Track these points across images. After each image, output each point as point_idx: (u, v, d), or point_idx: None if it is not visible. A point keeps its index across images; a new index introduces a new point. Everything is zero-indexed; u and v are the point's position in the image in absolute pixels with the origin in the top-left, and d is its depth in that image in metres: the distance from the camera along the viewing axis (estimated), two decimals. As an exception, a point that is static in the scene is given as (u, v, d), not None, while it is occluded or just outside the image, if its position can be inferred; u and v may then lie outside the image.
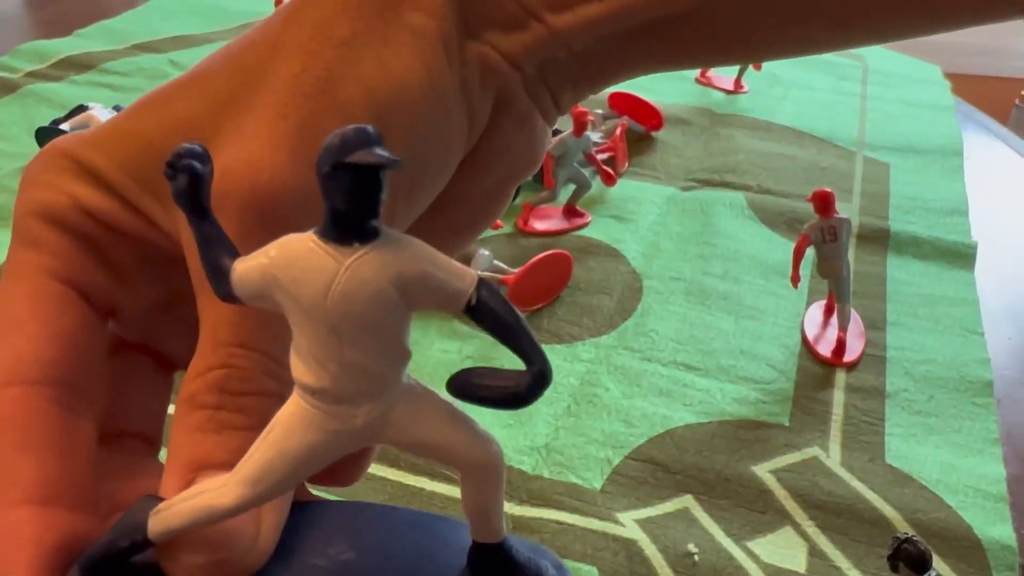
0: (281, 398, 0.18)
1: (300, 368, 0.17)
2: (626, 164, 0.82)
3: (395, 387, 0.18)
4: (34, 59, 1.02)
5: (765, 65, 1.01)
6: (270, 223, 0.18)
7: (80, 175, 0.22)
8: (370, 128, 0.16)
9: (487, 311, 0.17)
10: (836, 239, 0.58)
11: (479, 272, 0.18)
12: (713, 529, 0.46)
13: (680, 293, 0.65)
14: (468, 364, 0.57)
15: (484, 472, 0.19)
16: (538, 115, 0.26)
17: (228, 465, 0.18)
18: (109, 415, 0.23)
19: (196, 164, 0.17)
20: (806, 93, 1.02)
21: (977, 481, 0.50)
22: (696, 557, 0.44)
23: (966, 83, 1.26)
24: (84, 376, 0.22)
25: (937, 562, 0.44)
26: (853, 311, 0.62)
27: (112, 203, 0.22)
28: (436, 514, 0.23)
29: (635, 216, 0.75)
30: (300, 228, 0.17)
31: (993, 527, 0.47)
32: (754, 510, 0.47)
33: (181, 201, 0.17)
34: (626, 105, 0.89)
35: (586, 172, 0.75)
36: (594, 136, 0.79)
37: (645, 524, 0.46)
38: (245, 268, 0.17)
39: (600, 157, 0.77)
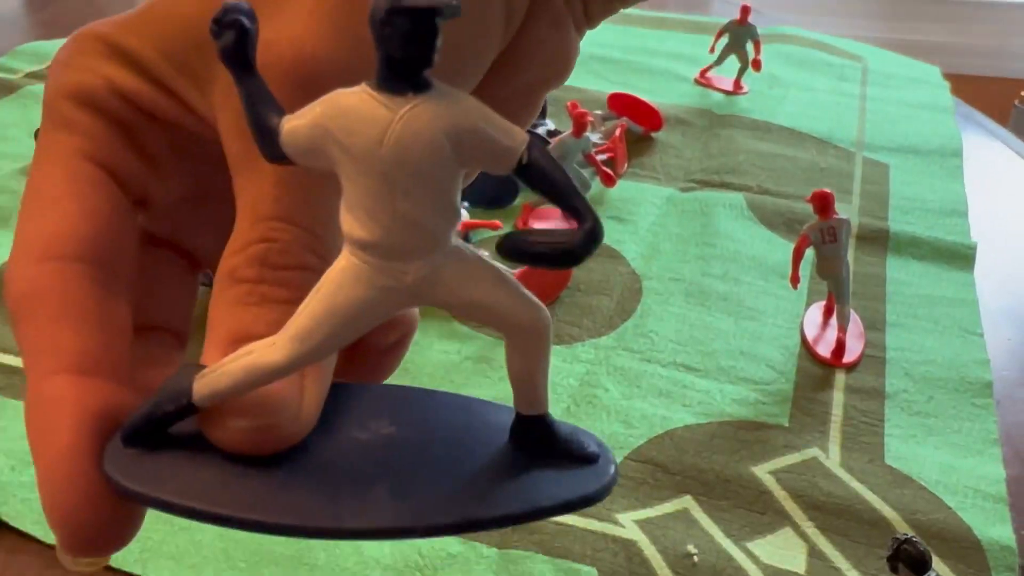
0: (321, 274, 0.18)
1: (351, 222, 0.17)
2: (625, 165, 0.82)
3: (445, 246, 0.18)
4: (34, 60, 1.02)
5: (764, 66, 1.01)
6: (313, 96, 0.17)
7: (113, 57, 0.22)
8: None
9: (539, 170, 0.17)
10: (836, 240, 0.58)
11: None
12: (713, 530, 0.46)
13: (679, 294, 0.65)
14: (468, 365, 0.57)
15: (532, 336, 0.19)
16: (571, 21, 0.27)
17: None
18: (138, 308, 0.22)
19: (244, 19, 0.17)
20: (805, 94, 1.02)
21: (976, 482, 0.50)
22: (696, 558, 0.44)
23: (965, 84, 1.26)
24: (118, 257, 0.21)
25: (937, 563, 0.44)
26: (852, 312, 0.62)
27: (146, 86, 0.22)
28: (477, 398, 0.23)
29: (634, 217, 0.75)
30: None
31: (992, 528, 0.47)
32: (754, 511, 0.47)
33: (227, 58, 0.17)
34: (625, 106, 0.89)
35: (586, 173, 0.75)
36: (593, 137, 0.79)
37: (645, 525, 0.46)
38: (294, 124, 0.17)
39: (599, 158, 0.77)
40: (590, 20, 0.28)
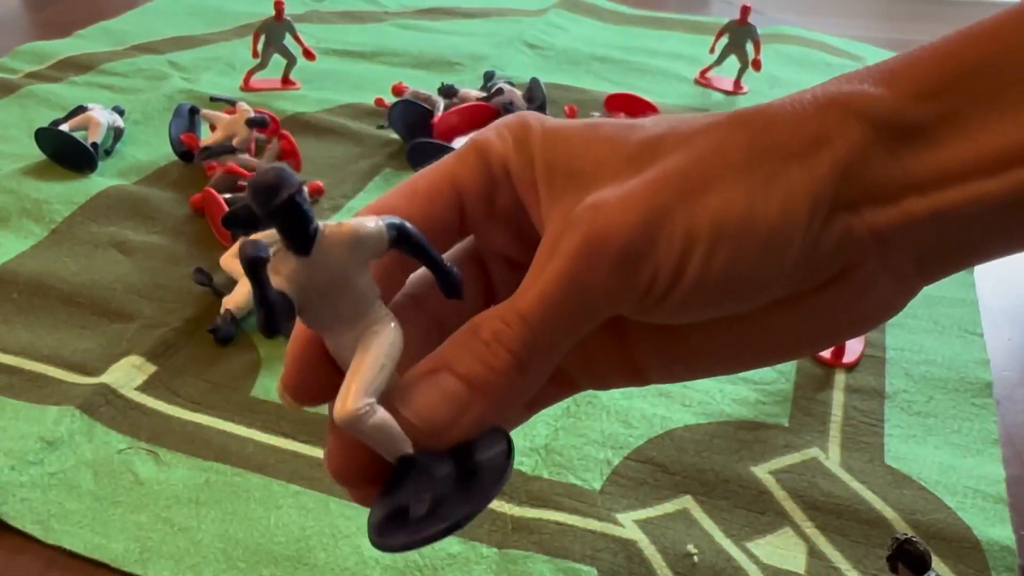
0: (522, 368, 0.24)
1: None
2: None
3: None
4: (34, 60, 1.02)
5: (765, 66, 1.01)
6: (594, 255, 0.23)
7: (518, 147, 0.27)
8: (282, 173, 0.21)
9: (408, 240, 0.23)
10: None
11: None
12: (712, 530, 0.46)
13: (679, 294, 0.65)
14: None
15: None
16: (886, 285, 0.25)
17: (469, 383, 0.24)
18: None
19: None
20: (805, 94, 1.02)
21: (976, 482, 0.50)
22: (695, 558, 0.44)
23: (965, 84, 1.26)
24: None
25: (936, 563, 0.44)
26: (852, 312, 0.62)
27: (523, 172, 0.27)
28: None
29: (634, 217, 0.75)
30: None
31: (992, 528, 0.47)
32: (753, 511, 0.48)
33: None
34: (622, 105, 0.89)
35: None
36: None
37: (644, 525, 0.46)
38: None
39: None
40: (925, 275, 0.26)
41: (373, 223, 0.22)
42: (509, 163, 0.27)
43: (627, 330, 0.28)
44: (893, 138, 0.24)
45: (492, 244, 0.29)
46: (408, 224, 0.23)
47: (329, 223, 0.21)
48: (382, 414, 0.22)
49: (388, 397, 0.24)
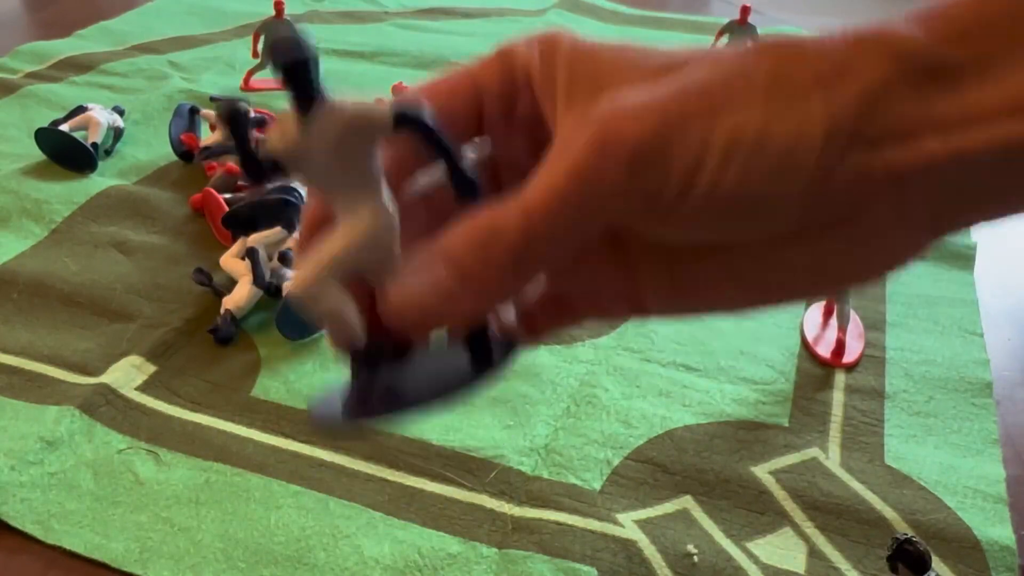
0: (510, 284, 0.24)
1: None
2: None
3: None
4: (33, 60, 1.02)
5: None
6: (607, 151, 0.22)
7: (543, 54, 0.27)
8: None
9: (414, 119, 0.22)
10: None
11: None
12: (712, 530, 0.46)
13: (679, 294, 0.65)
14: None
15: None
16: (894, 231, 0.25)
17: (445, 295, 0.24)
18: None
19: None
20: (805, 94, 1.02)
21: (976, 482, 0.50)
22: (695, 558, 0.44)
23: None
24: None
25: (936, 563, 0.44)
26: (852, 312, 0.62)
27: (541, 79, 0.27)
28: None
29: (634, 217, 0.75)
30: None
31: (992, 528, 0.47)
32: (753, 511, 0.47)
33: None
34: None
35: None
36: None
37: (644, 525, 0.46)
38: None
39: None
40: (938, 229, 0.25)
41: (378, 105, 0.22)
42: (532, 71, 0.27)
43: (632, 256, 0.28)
44: (920, 77, 0.24)
45: (508, 151, 0.29)
46: (425, 109, 0.23)
47: (339, 98, 0.22)
48: (334, 298, 0.23)
49: (379, 280, 0.24)
